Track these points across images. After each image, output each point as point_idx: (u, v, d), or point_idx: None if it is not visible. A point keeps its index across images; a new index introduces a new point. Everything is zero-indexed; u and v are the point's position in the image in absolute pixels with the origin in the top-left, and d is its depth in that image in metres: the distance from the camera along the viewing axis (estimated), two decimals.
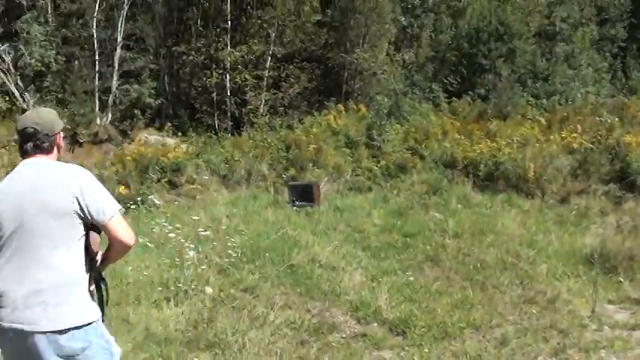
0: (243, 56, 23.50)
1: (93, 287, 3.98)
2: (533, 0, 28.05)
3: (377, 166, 18.78)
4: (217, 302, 8.58)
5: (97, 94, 22.29)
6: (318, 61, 25.05)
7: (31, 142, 3.90)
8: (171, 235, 10.68)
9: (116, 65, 22.50)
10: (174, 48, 24.32)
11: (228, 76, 23.59)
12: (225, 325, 7.83)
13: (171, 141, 20.67)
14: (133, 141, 20.61)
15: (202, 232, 10.92)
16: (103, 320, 3.95)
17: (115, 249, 3.94)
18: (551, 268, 10.49)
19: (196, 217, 12.47)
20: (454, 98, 24.32)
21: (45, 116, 4.00)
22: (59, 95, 21.92)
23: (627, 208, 14.76)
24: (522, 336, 7.85)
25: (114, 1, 23.19)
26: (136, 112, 22.18)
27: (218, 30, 24.06)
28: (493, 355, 7.34)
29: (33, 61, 21.47)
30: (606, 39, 30.76)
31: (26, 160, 3.90)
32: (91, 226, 3.82)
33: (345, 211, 14.79)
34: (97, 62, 22.52)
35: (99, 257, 3.99)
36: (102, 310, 4.04)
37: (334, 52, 24.84)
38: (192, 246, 10.14)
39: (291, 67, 24.29)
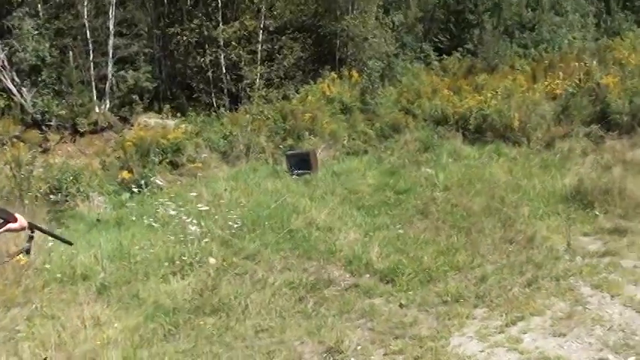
0: (235, 32, 23.69)
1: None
2: None
3: (371, 129, 19.18)
4: (221, 271, 9.13)
5: (93, 84, 22.48)
6: (310, 30, 25.16)
7: None
8: (173, 212, 11.23)
9: (110, 53, 22.66)
10: (167, 30, 24.52)
11: (222, 53, 23.80)
12: (228, 290, 8.43)
13: (170, 122, 20.91)
14: (133, 126, 20.91)
15: (203, 208, 11.44)
16: None
17: None
18: (533, 210, 11.04)
19: (194, 194, 12.96)
20: (444, 56, 24.66)
21: None
22: (56, 87, 22.08)
23: (607, 146, 15.24)
24: (500, 272, 8.45)
25: None
26: (134, 97, 22.29)
27: (209, 9, 24.23)
28: (472, 292, 7.95)
29: (27, 55, 21.60)
30: None
31: None
32: None
33: (342, 175, 15.27)
34: (91, 51, 22.64)
35: None
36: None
37: (325, 21, 25.00)
38: (194, 222, 10.69)
39: (283, 38, 24.47)
